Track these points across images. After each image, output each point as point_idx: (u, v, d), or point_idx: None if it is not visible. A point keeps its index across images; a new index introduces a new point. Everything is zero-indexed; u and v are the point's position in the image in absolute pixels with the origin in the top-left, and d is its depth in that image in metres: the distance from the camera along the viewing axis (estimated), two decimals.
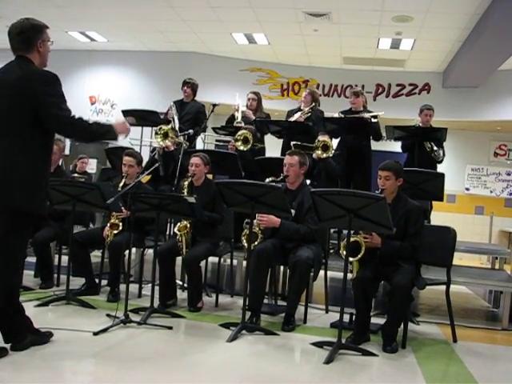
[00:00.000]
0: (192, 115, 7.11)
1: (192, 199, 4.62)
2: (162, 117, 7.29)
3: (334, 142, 6.69)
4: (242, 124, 6.73)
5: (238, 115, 6.92)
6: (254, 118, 6.98)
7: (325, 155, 6.16)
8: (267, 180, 4.95)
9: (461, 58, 10.30)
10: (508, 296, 5.40)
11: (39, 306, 4.73)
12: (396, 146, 11.41)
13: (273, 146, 7.24)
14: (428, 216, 6.75)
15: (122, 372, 3.39)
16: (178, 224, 5.16)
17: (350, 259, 4.27)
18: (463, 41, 9.87)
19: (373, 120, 6.62)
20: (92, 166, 10.47)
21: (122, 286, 5.01)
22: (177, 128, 6.56)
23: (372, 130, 6.68)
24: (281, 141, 7.03)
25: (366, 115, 6.65)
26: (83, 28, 11.27)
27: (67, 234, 5.18)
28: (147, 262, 5.66)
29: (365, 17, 9.21)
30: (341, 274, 4.31)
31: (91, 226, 6.68)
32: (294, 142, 6.19)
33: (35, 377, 3.18)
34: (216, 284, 5.55)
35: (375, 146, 7.07)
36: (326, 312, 5.39)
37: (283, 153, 6.76)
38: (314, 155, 6.10)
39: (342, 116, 6.75)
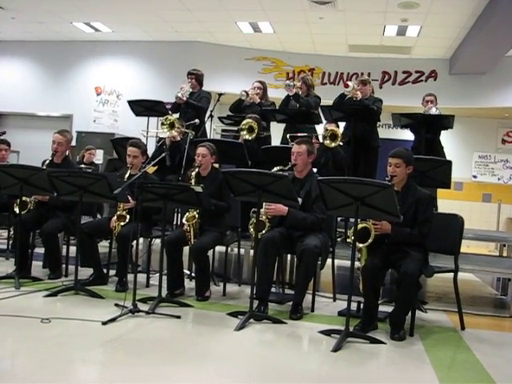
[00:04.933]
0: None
1: (199, 189, 4.62)
2: (168, 107, 7.30)
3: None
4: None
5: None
6: (258, 100, 6.98)
7: (333, 144, 6.14)
8: (275, 169, 4.95)
9: (468, 45, 10.23)
10: None
11: (48, 296, 4.76)
12: (404, 134, 11.44)
13: (279, 135, 7.22)
14: (435, 204, 6.74)
15: (131, 361, 3.41)
16: (187, 214, 5.16)
17: (360, 245, 4.27)
18: (470, 27, 9.79)
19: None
20: (99, 156, 10.50)
21: (130, 276, 5.03)
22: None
23: (376, 116, 6.66)
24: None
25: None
26: (88, 19, 11.25)
27: (75, 224, 5.20)
28: (155, 252, 5.67)
29: (370, 4, 9.15)
30: (348, 262, 4.31)
31: (98, 216, 6.70)
32: (291, 135, 6.20)
33: (44, 366, 3.20)
34: (223, 273, 5.56)
35: (384, 134, 7.04)
36: (334, 300, 5.40)
37: (283, 141, 6.80)
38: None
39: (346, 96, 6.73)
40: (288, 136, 6.36)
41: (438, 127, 6.78)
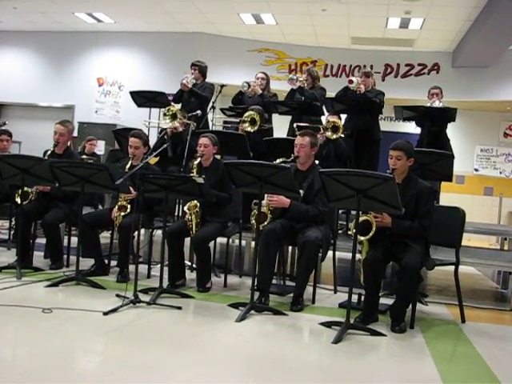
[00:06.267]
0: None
1: (200, 180, 4.61)
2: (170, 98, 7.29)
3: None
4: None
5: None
6: (260, 92, 6.97)
7: (335, 136, 6.14)
8: (278, 160, 4.94)
9: (471, 38, 10.19)
10: None
11: (49, 286, 4.77)
12: (406, 127, 11.43)
13: (281, 127, 7.22)
14: (437, 197, 6.74)
15: (132, 351, 3.41)
16: (188, 203, 5.16)
17: (361, 238, 4.27)
18: (473, 20, 9.75)
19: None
20: (100, 147, 10.50)
21: (131, 267, 5.04)
22: None
23: (379, 109, 6.65)
24: (288, 120, 7.05)
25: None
26: (90, 9, 11.21)
27: (76, 215, 5.20)
28: (156, 243, 5.68)
29: None
30: (349, 255, 4.31)
31: (100, 207, 6.71)
32: (297, 124, 6.18)
33: (46, 356, 3.21)
34: (224, 264, 5.57)
35: (386, 126, 7.03)
36: (335, 292, 5.41)
37: (290, 133, 6.78)
38: (320, 138, 5.97)
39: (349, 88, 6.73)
40: (295, 125, 6.30)
41: (441, 120, 6.75)
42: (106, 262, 5.55)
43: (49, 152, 5.68)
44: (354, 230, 4.15)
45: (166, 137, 6.32)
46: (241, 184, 4.61)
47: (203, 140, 5.40)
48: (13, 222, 6.29)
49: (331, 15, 10.24)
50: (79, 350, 3.44)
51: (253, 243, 5.07)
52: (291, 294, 4.83)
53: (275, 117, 7.16)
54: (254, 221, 4.90)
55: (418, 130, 7.20)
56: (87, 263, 5.41)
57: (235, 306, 4.54)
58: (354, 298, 4.50)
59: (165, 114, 6.39)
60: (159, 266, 4.80)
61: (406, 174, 4.49)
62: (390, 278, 5.70)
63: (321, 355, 3.67)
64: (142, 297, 4.43)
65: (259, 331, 4.08)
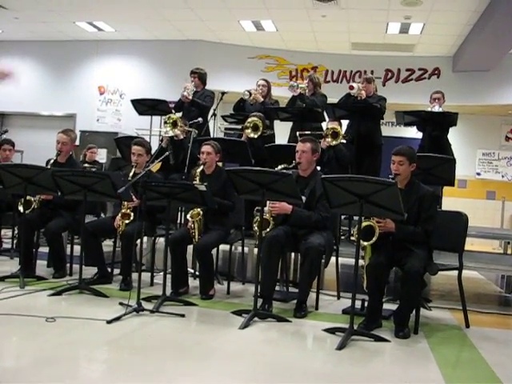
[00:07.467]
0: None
1: (203, 187, 4.61)
2: (171, 105, 7.30)
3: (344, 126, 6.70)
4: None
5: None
6: (262, 99, 6.98)
7: (335, 142, 6.14)
8: (279, 167, 4.94)
9: (471, 42, 10.20)
10: None
11: (53, 295, 4.77)
12: (407, 132, 11.43)
13: (282, 133, 7.22)
14: (440, 201, 6.72)
15: (135, 359, 3.41)
16: (191, 211, 5.16)
17: (364, 243, 4.27)
18: (473, 24, 9.76)
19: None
20: (102, 155, 10.52)
21: (134, 275, 5.04)
22: None
23: (380, 115, 6.66)
24: (289, 127, 7.06)
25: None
26: (91, 18, 11.26)
27: (79, 223, 5.21)
28: (159, 251, 5.68)
29: (373, 1, 9.13)
30: (352, 260, 4.31)
31: (102, 215, 6.71)
32: (300, 132, 6.19)
33: (49, 365, 3.21)
34: (227, 271, 5.56)
35: (387, 132, 7.03)
36: (338, 298, 5.39)
37: (291, 140, 6.79)
38: (323, 145, 5.98)
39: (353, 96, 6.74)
40: (298, 134, 6.33)
41: (442, 124, 6.75)
42: (109, 270, 5.55)
43: (51, 161, 5.70)
44: (357, 236, 4.15)
45: (164, 144, 6.33)
46: (243, 191, 4.61)
47: (206, 148, 5.40)
48: (16, 231, 6.30)
49: (331, 21, 10.26)
50: (83, 358, 3.44)
51: (255, 250, 5.06)
52: (294, 301, 4.82)
53: (276, 123, 7.17)
54: (256, 228, 4.90)
55: (419, 135, 7.20)
56: (90, 272, 5.41)
57: (238, 313, 4.53)
58: (358, 303, 4.49)
59: (165, 122, 6.40)
60: (162, 273, 4.80)
61: (409, 179, 4.50)
62: (394, 283, 5.68)
63: (325, 362, 3.67)
64: (146, 305, 4.43)
65: (263, 338, 4.07)
